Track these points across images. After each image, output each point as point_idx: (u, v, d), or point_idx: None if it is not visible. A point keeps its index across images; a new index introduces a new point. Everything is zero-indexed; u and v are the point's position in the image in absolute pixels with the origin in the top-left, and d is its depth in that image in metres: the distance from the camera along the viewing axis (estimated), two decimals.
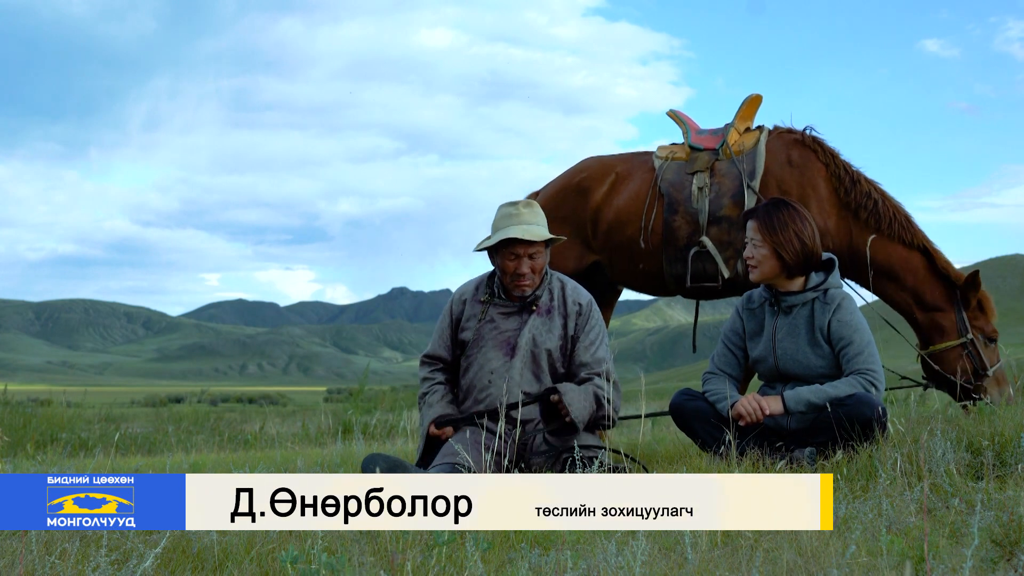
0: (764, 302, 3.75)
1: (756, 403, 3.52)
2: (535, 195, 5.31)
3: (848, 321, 3.57)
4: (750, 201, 4.59)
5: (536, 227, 3.74)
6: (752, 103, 4.92)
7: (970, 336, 4.48)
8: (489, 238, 3.78)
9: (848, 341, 3.55)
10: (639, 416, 4.79)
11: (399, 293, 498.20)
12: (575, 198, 5.06)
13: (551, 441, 3.63)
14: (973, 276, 4.48)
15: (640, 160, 5.07)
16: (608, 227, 4.94)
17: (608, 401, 3.67)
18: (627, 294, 5.45)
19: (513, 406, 3.58)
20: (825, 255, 3.70)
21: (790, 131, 4.79)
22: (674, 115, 5.12)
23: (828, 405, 3.41)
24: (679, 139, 5.04)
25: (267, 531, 2.57)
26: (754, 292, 3.83)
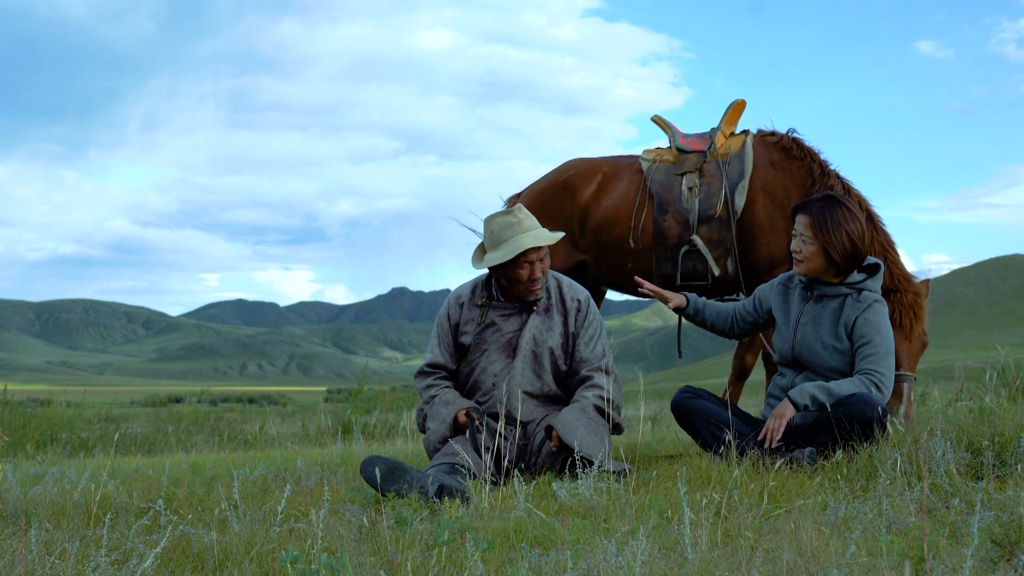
0: (799, 285, 3.76)
1: (776, 423, 3.49)
2: (517, 196, 5.34)
3: (874, 322, 3.57)
4: (739, 201, 4.73)
5: (542, 231, 3.72)
6: (736, 109, 5.09)
7: None
8: (499, 251, 3.66)
9: (867, 340, 3.55)
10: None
11: (399, 293, 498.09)
12: (561, 196, 5.13)
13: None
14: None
15: (626, 162, 5.18)
16: (596, 226, 5.01)
17: (610, 402, 3.67)
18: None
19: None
20: (872, 260, 3.71)
21: (773, 134, 4.93)
22: (659, 120, 5.28)
23: (829, 404, 3.40)
24: (666, 144, 5.16)
25: (267, 531, 2.57)
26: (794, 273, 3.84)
